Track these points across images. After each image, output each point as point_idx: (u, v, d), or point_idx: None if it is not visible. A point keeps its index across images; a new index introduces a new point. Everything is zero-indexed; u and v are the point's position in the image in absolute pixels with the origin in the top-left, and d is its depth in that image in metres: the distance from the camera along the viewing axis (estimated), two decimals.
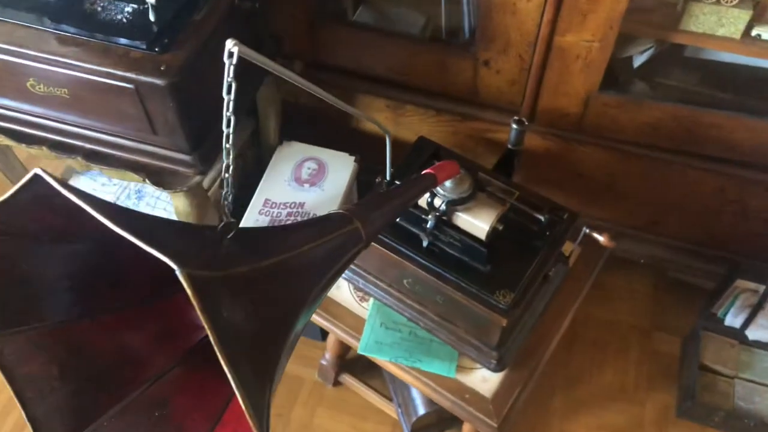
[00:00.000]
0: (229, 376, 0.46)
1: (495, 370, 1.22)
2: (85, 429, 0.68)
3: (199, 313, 0.45)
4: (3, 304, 0.64)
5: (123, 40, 1.10)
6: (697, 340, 1.63)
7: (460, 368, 1.24)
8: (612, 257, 1.55)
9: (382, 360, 1.26)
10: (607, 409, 1.64)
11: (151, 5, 1.09)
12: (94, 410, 0.68)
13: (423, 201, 1.12)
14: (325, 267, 0.73)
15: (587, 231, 1.15)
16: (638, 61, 1.53)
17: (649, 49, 1.51)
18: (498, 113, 1.52)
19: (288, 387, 1.68)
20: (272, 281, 0.60)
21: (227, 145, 0.62)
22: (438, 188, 1.09)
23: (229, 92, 0.61)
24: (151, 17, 1.11)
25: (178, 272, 0.45)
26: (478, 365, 1.24)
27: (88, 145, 1.27)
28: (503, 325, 1.12)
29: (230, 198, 0.69)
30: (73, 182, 1.56)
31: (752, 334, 1.62)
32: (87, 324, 0.69)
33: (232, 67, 0.61)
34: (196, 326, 0.75)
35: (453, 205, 1.09)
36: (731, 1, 1.24)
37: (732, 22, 1.26)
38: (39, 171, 0.52)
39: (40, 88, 1.20)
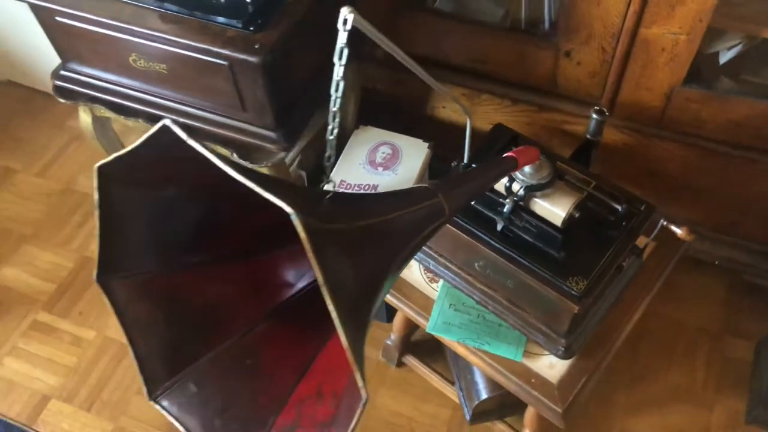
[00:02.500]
0: (337, 322, 0.49)
1: (562, 357, 1.23)
2: (183, 370, 0.73)
3: (311, 256, 0.49)
4: (115, 250, 0.69)
5: (220, 19, 1.16)
6: None
7: (527, 353, 1.25)
8: (686, 257, 1.52)
9: (449, 340, 1.28)
10: (672, 410, 1.62)
11: None
12: (191, 354, 0.74)
13: (500, 185, 1.14)
14: (410, 236, 0.76)
15: (664, 223, 1.14)
16: (725, 58, 1.50)
17: (737, 45, 1.48)
18: (576, 105, 1.52)
19: None
20: (365, 242, 0.63)
21: (334, 109, 0.66)
22: (517, 173, 1.10)
23: (340, 58, 0.65)
24: None
25: (293, 216, 0.49)
26: (546, 351, 1.25)
27: (181, 119, 1.34)
28: (575, 312, 1.12)
29: (332, 160, 0.73)
30: None
31: None
32: (187, 274, 0.74)
33: (345, 34, 0.64)
34: (284, 284, 0.80)
35: (531, 190, 1.10)
36: None
37: None
38: (167, 122, 0.57)
39: (140, 63, 1.27)
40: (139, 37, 1.21)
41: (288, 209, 0.49)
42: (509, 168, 1.01)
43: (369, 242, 0.65)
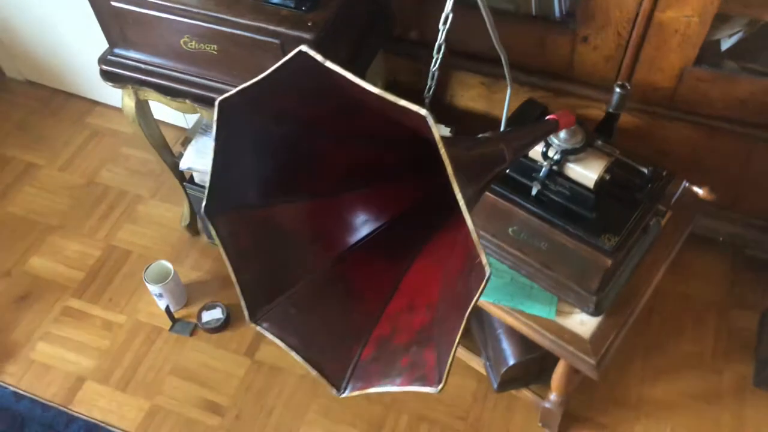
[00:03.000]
0: (465, 214, 0.57)
1: (593, 314, 1.32)
2: (281, 295, 0.80)
3: (443, 151, 0.57)
4: (223, 183, 0.77)
5: (274, 0, 1.24)
6: None
7: (559, 312, 1.34)
8: (691, 234, 1.63)
9: (485, 302, 1.36)
10: (685, 377, 1.71)
11: None
12: (288, 280, 0.81)
13: (535, 153, 1.24)
14: (482, 174, 0.84)
15: (687, 185, 1.24)
16: (726, 45, 1.62)
17: (738, 32, 1.60)
18: (591, 89, 1.62)
19: None
20: (469, 164, 0.72)
21: (440, 41, 0.74)
22: (553, 138, 1.20)
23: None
24: None
25: (427, 115, 0.56)
26: (577, 310, 1.34)
27: None
28: (607, 267, 1.21)
29: (430, 93, 0.81)
30: (194, 143, 1.71)
31: None
32: (282, 209, 0.82)
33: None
34: (375, 217, 0.88)
35: (566, 154, 1.20)
36: None
37: None
38: (304, 47, 0.64)
39: (192, 45, 1.35)
40: (194, 18, 1.29)
41: (422, 111, 0.57)
42: (552, 129, 1.10)
43: (470, 166, 0.72)
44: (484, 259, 0.59)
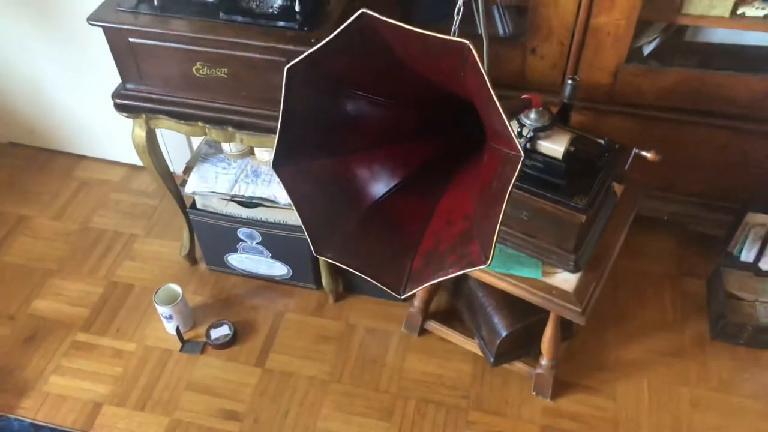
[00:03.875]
0: (498, 105, 0.77)
1: (573, 271, 1.54)
2: (338, 231, 0.98)
3: (484, 72, 0.77)
4: (288, 140, 0.95)
5: (281, 23, 1.46)
6: (720, 275, 1.96)
7: (545, 273, 1.55)
8: (641, 217, 1.90)
9: (481, 272, 1.56)
10: (653, 338, 1.93)
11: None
12: (344, 219, 0.99)
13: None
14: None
15: (636, 151, 1.50)
16: (647, 50, 1.94)
17: (655, 38, 1.92)
18: (543, 94, 1.87)
19: (379, 340, 1.95)
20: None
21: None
22: (525, 119, 1.43)
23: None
24: (297, 8, 1.47)
25: (469, 44, 0.77)
26: (559, 269, 1.55)
27: (236, 118, 1.60)
28: (582, 222, 1.44)
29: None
30: (196, 169, 1.87)
31: (765, 265, 1.95)
32: (334, 161, 1.00)
33: None
34: (410, 162, 1.07)
35: (537, 131, 1.43)
36: None
37: (721, 3, 1.67)
38: (365, 9, 0.85)
39: (203, 71, 1.54)
40: (207, 46, 1.49)
41: (465, 41, 0.78)
42: (527, 104, 1.34)
43: None
44: (518, 145, 0.79)
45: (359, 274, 0.95)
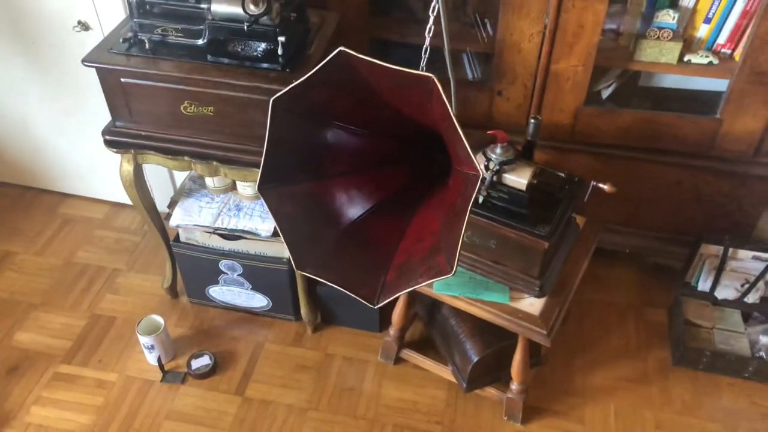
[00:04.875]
0: (459, 128, 0.88)
1: (538, 296, 1.63)
2: (319, 248, 1.06)
3: (449, 107, 0.88)
4: (272, 165, 1.05)
5: (265, 65, 1.57)
6: (679, 304, 2.07)
7: (512, 298, 1.64)
8: (603, 250, 2.01)
9: (450, 296, 1.65)
10: (617, 365, 2.02)
11: (281, 43, 1.58)
12: (323, 237, 1.08)
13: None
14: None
15: (594, 183, 1.62)
16: (605, 94, 2.09)
17: (612, 83, 2.08)
18: (508, 134, 2.02)
19: (356, 368, 2.01)
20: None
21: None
22: (491, 154, 1.55)
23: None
24: (279, 51, 1.59)
25: (434, 77, 0.88)
26: (526, 295, 1.65)
27: (221, 153, 1.70)
28: (545, 248, 1.54)
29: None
30: (180, 204, 1.96)
31: (720, 293, 2.06)
32: (313, 185, 1.10)
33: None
34: (384, 186, 1.16)
35: (503, 165, 1.55)
36: (667, 37, 1.81)
37: (669, 51, 1.83)
38: (342, 48, 0.95)
39: (191, 110, 1.64)
40: (196, 85, 1.59)
41: (429, 74, 0.89)
42: (492, 139, 1.46)
43: None
44: (478, 167, 0.90)
45: (337, 287, 1.03)
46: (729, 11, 1.79)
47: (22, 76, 2.21)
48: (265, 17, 1.57)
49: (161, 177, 2.30)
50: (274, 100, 1.00)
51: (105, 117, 1.75)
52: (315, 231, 1.07)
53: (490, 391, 1.90)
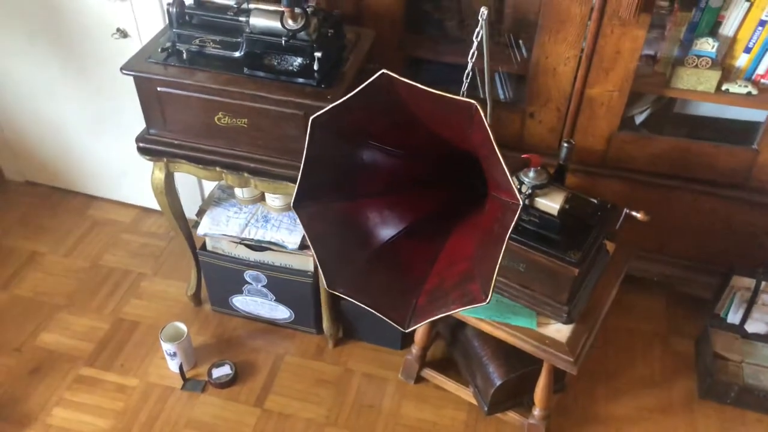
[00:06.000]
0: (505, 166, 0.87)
1: (566, 322, 1.61)
2: (350, 267, 1.06)
3: (491, 134, 0.87)
4: (308, 183, 1.05)
5: (300, 80, 1.58)
6: (708, 335, 2.03)
7: (539, 323, 1.62)
8: (631, 277, 1.98)
9: (477, 319, 1.63)
10: (641, 394, 1.99)
11: (318, 58, 1.58)
12: (355, 257, 1.07)
13: None
14: None
15: (627, 211, 1.60)
16: (639, 119, 2.07)
17: (646, 109, 2.06)
18: (540, 156, 2.00)
19: (376, 385, 2.00)
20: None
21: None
22: (524, 177, 1.54)
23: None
24: (315, 67, 1.59)
25: (476, 104, 0.87)
26: (553, 320, 1.62)
27: (252, 164, 1.70)
28: (575, 275, 1.52)
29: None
30: (209, 213, 1.97)
31: (750, 327, 2.02)
32: (347, 205, 1.09)
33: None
34: (418, 208, 1.16)
35: (535, 189, 1.54)
36: (706, 65, 1.79)
37: (707, 80, 1.81)
38: (385, 70, 0.95)
39: (225, 121, 1.65)
40: (230, 97, 1.60)
41: (472, 101, 0.88)
42: (526, 162, 1.44)
43: None
44: (517, 195, 0.89)
45: (368, 308, 1.02)
46: None
47: (59, 79, 2.24)
48: (302, 32, 1.57)
49: (190, 185, 2.31)
50: (313, 119, 1.00)
51: (138, 124, 1.76)
52: (347, 251, 1.07)
53: (512, 416, 1.87)
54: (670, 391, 2.00)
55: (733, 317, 2.04)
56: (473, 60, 1.14)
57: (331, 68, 1.63)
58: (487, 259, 0.94)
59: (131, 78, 1.67)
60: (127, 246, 2.41)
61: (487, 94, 1.26)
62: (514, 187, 0.90)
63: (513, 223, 0.91)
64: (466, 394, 1.92)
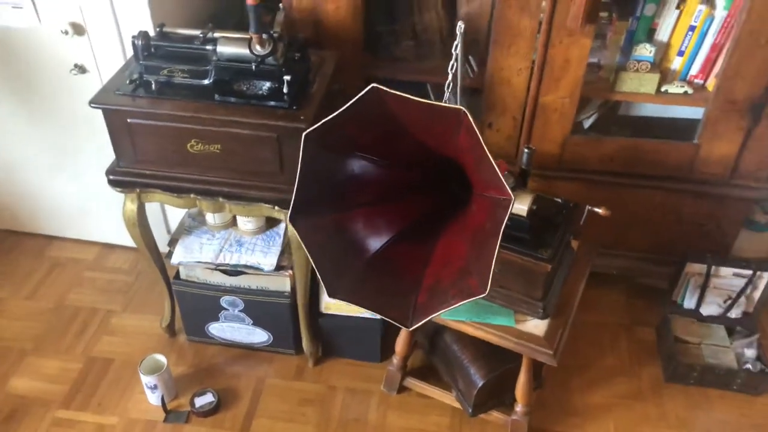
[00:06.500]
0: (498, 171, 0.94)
1: (542, 317, 1.69)
2: (349, 273, 1.10)
3: (480, 137, 0.94)
4: (303, 197, 1.09)
5: (272, 103, 1.62)
6: (667, 322, 2.15)
7: (517, 321, 1.69)
8: (591, 273, 2.08)
9: (459, 321, 1.69)
10: (613, 384, 2.09)
11: (287, 81, 1.63)
12: (352, 265, 1.11)
13: None
14: None
15: (589, 208, 1.70)
16: (587, 124, 2.20)
17: (593, 114, 2.19)
18: (506, 162, 2.10)
19: (360, 399, 2.03)
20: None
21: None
22: None
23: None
24: (285, 89, 1.64)
25: (465, 109, 0.94)
26: (529, 317, 1.70)
27: (226, 189, 1.73)
28: (548, 271, 1.61)
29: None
30: (181, 242, 1.97)
31: (705, 310, 2.16)
32: (343, 215, 1.14)
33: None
34: (405, 215, 1.21)
35: None
36: (646, 69, 1.93)
37: (648, 82, 1.95)
38: (375, 84, 1.01)
39: (197, 147, 1.68)
40: (203, 124, 1.63)
41: (461, 107, 0.95)
42: None
43: None
44: (508, 191, 0.95)
45: (369, 311, 1.07)
46: (700, 45, 1.92)
47: (13, 117, 2.20)
48: (270, 57, 1.62)
49: (154, 217, 2.30)
50: (306, 135, 1.05)
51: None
52: (345, 259, 1.11)
53: (495, 415, 1.93)
54: (639, 378, 2.11)
55: (689, 302, 2.17)
56: (453, 71, 1.21)
57: (299, 90, 1.68)
58: (483, 254, 1.00)
59: (91, 113, 1.68)
60: (92, 284, 2.37)
61: (458, 101, 1.34)
62: (504, 183, 0.97)
63: (506, 218, 0.97)
64: (449, 398, 1.97)
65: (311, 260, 1.12)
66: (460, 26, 1.20)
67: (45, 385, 2.04)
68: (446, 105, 0.96)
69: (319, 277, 1.13)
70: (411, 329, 1.09)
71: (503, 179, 0.97)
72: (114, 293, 2.33)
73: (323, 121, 1.05)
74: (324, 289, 1.10)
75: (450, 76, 1.24)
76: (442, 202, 1.24)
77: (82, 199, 2.37)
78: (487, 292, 1.00)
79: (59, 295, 2.33)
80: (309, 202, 1.11)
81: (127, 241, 2.41)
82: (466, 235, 1.10)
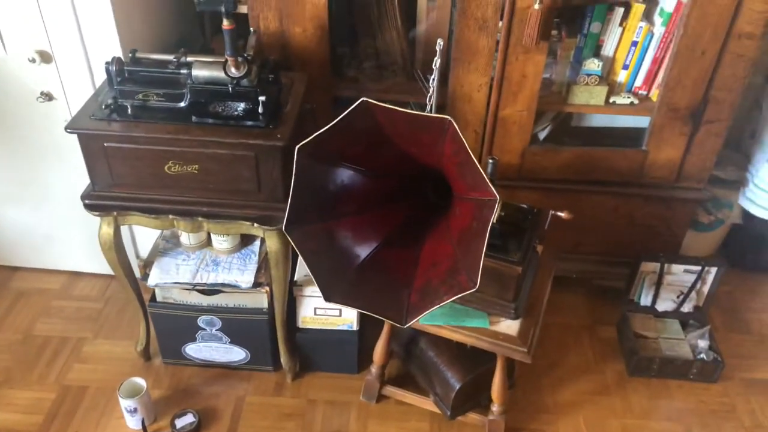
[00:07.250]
0: (475, 160, 1.02)
1: (514, 318, 1.78)
2: (344, 277, 1.16)
3: (467, 144, 1.02)
4: (297, 207, 1.15)
5: (248, 122, 1.67)
6: (626, 319, 2.28)
7: (491, 322, 1.78)
8: (553, 278, 2.20)
9: (437, 326, 1.76)
10: (580, 380, 2.19)
11: (262, 102, 1.69)
12: (345, 270, 1.18)
13: None
14: None
15: (553, 212, 1.81)
16: (542, 135, 2.32)
17: (547, 126, 2.32)
18: None
19: (340, 411, 2.07)
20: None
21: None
22: None
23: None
24: (260, 110, 1.69)
25: (452, 120, 1.02)
26: (502, 318, 1.79)
27: (205, 209, 1.76)
28: (518, 274, 1.70)
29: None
30: (157, 263, 1.98)
31: (660, 306, 2.29)
32: (333, 223, 1.20)
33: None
34: (389, 222, 1.28)
35: None
36: (595, 82, 2.07)
37: (597, 94, 2.09)
38: (364, 99, 1.08)
39: (175, 169, 1.71)
40: (181, 146, 1.66)
41: (447, 117, 1.03)
42: None
43: None
44: (494, 191, 1.04)
45: (364, 312, 1.13)
46: (642, 59, 2.07)
47: None
48: (245, 79, 1.68)
49: (124, 240, 2.30)
50: (298, 148, 1.11)
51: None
52: (337, 265, 1.17)
53: (472, 417, 2.00)
54: (604, 374, 2.22)
55: (645, 300, 2.30)
56: (435, 83, 1.30)
57: (274, 110, 1.74)
58: (471, 252, 1.08)
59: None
60: (60, 313, 2.34)
61: (433, 111, 1.43)
62: (490, 185, 1.06)
63: (493, 217, 1.05)
64: (427, 403, 2.03)
65: (306, 266, 1.18)
66: (440, 43, 1.29)
67: (18, 416, 2.01)
68: (433, 115, 1.04)
69: (315, 281, 1.18)
70: (406, 326, 1.15)
71: (489, 181, 1.05)
72: (84, 321, 2.32)
73: (316, 134, 1.11)
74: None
75: (432, 89, 1.32)
76: (420, 208, 1.32)
77: (46, 228, 2.35)
78: (476, 287, 1.08)
79: (26, 325, 2.30)
80: (301, 212, 1.16)
81: (94, 267, 2.42)
82: (451, 236, 1.17)
